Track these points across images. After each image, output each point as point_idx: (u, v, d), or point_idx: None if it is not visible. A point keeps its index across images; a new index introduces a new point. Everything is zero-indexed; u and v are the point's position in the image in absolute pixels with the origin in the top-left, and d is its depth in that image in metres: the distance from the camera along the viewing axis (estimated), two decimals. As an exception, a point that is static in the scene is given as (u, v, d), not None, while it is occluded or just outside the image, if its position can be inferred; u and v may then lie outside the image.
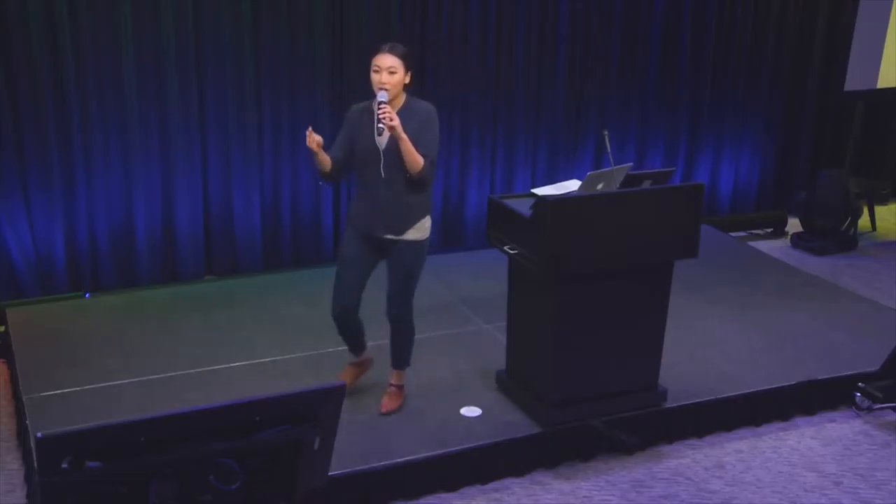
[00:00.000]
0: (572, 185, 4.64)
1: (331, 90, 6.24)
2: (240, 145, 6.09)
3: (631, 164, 4.94)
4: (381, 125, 4.05)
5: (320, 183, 4.58)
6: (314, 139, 4.11)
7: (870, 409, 4.95)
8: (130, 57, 5.67)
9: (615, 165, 4.41)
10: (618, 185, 4.41)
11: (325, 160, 4.22)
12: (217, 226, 6.22)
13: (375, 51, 4.21)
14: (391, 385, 4.64)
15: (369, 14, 6.20)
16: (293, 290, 5.96)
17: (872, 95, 7.76)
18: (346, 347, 4.73)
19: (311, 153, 4.17)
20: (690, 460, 4.55)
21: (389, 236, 4.31)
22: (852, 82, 7.56)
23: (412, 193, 4.26)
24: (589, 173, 4.41)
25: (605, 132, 4.62)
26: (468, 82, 6.63)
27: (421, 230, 4.34)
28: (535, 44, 6.79)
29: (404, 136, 4.07)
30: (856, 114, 7.87)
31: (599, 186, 4.37)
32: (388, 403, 4.59)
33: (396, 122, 4.03)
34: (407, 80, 4.19)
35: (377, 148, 4.20)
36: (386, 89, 4.10)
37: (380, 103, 4.09)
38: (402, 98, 4.23)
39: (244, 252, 6.27)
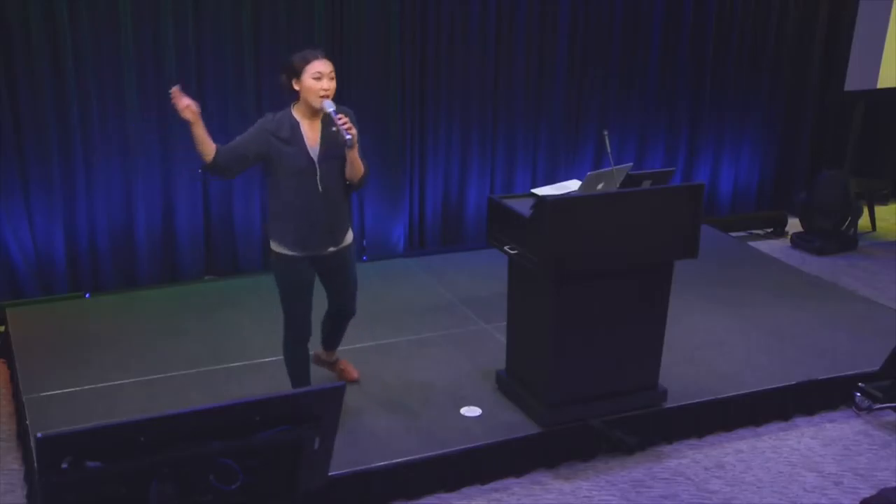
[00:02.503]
0: (572, 185, 4.64)
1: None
2: (240, 145, 6.09)
3: (631, 164, 4.94)
4: (349, 136, 3.91)
5: (201, 170, 4.16)
6: (184, 102, 3.77)
7: (870, 409, 4.94)
8: (130, 57, 5.67)
9: (615, 165, 4.41)
10: (618, 185, 4.41)
11: (206, 139, 3.94)
12: (217, 226, 6.22)
13: (306, 57, 4.02)
14: (339, 360, 4.75)
15: (369, 14, 6.20)
16: (293, 290, 5.95)
17: (872, 95, 7.76)
18: (346, 347, 4.73)
19: (185, 122, 3.81)
20: (690, 460, 4.55)
21: (332, 249, 4.20)
22: (852, 82, 7.56)
23: (345, 201, 4.17)
24: (589, 173, 4.41)
25: (605, 132, 4.62)
26: (468, 82, 6.63)
27: (351, 233, 4.31)
28: (536, 44, 6.79)
29: (356, 143, 3.99)
30: (856, 114, 7.87)
31: (599, 186, 4.37)
32: (354, 372, 4.74)
33: (355, 130, 3.94)
34: None
35: (312, 160, 4.02)
36: (329, 96, 3.96)
37: (334, 113, 3.94)
38: None
39: (244, 252, 6.27)
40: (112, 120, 5.75)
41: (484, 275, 5.97)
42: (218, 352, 5.09)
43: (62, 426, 3.05)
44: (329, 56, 6.10)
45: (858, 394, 4.95)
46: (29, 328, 5.33)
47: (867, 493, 4.29)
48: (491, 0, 6.55)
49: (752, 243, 7.46)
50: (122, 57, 5.65)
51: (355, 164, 4.05)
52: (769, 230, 7.83)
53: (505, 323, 4.76)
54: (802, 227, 7.54)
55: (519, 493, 4.26)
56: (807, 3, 7.63)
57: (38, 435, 2.26)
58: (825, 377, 5.01)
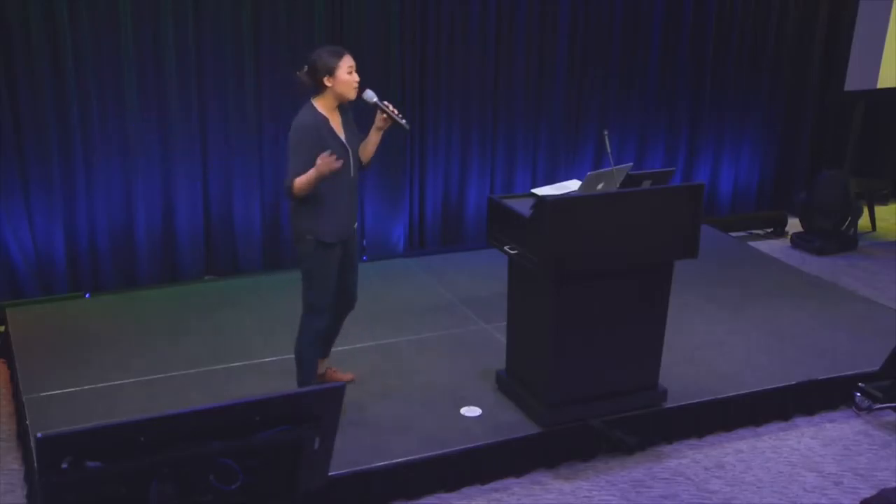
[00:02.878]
0: (572, 185, 4.64)
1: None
2: (240, 145, 6.09)
3: (631, 164, 4.94)
4: (404, 120, 4.27)
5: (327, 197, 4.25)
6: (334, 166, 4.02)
7: (870, 409, 4.94)
8: (130, 57, 5.67)
9: (615, 165, 4.41)
10: (618, 185, 4.41)
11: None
12: (217, 226, 6.22)
13: (336, 53, 4.23)
14: (328, 371, 4.71)
15: (369, 14, 6.20)
16: (293, 290, 5.93)
17: (872, 95, 7.76)
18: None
19: (319, 177, 4.04)
20: (690, 460, 4.55)
21: (355, 226, 4.44)
22: (852, 82, 7.56)
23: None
24: (589, 173, 4.41)
25: (605, 132, 4.62)
26: (468, 82, 6.62)
27: None
28: (536, 44, 6.79)
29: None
30: (856, 114, 7.87)
31: (599, 186, 4.37)
32: (343, 376, 4.74)
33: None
34: None
35: (347, 149, 4.23)
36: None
37: (381, 101, 4.27)
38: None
39: (244, 252, 6.28)
40: (112, 120, 5.75)
41: (484, 275, 5.97)
42: (218, 352, 5.08)
43: (62, 426, 3.05)
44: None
45: (858, 394, 4.94)
46: (29, 328, 5.33)
47: (867, 493, 4.29)
48: (491, 0, 6.55)
49: (752, 243, 7.46)
50: (122, 57, 5.65)
51: (375, 147, 4.35)
52: (769, 230, 7.83)
53: (505, 323, 4.76)
54: (802, 227, 7.54)
55: (519, 493, 4.26)
56: (807, 3, 7.63)
57: (38, 435, 2.26)
58: (825, 377, 5.01)
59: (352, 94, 4.24)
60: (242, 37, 5.94)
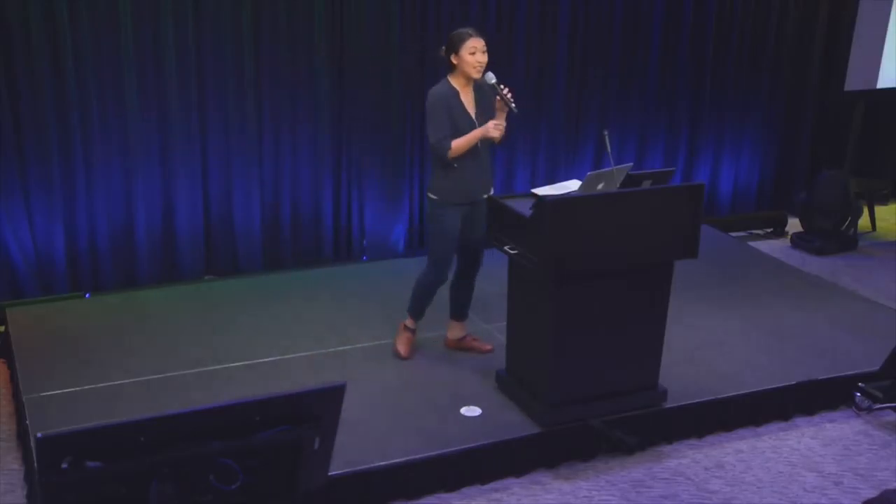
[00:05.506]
0: (572, 185, 4.64)
1: (331, 90, 6.24)
2: (240, 145, 6.10)
3: (631, 164, 4.93)
4: (514, 104, 4.57)
5: (454, 162, 4.68)
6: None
7: (870, 409, 4.94)
8: (130, 57, 5.67)
9: (615, 165, 4.41)
10: (618, 185, 4.41)
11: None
12: (217, 226, 6.22)
13: (462, 34, 4.61)
14: (467, 335, 5.14)
15: (369, 14, 6.20)
16: (293, 290, 5.96)
17: (872, 95, 7.76)
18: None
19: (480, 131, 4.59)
20: (690, 460, 4.55)
21: (484, 196, 4.78)
22: (852, 82, 7.56)
23: (491, 156, 4.92)
24: (589, 173, 4.41)
25: (605, 132, 4.62)
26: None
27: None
28: (536, 44, 6.79)
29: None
30: (856, 114, 7.87)
31: (599, 186, 4.37)
32: (481, 346, 5.11)
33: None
34: None
35: (473, 122, 4.66)
36: (483, 67, 4.59)
37: (499, 84, 4.59)
38: None
39: (244, 252, 6.28)
40: (112, 120, 5.75)
41: (484, 275, 5.96)
42: (218, 352, 5.08)
43: (62, 426, 3.05)
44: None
45: (858, 394, 4.94)
46: (29, 328, 5.33)
47: (867, 493, 4.29)
48: (491, 0, 6.55)
49: (752, 243, 7.46)
50: (122, 57, 5.65)
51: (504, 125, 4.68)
52: (769, 230, 7.83)
53: (505, 323, 4.76)
54: (802, 227, 7.54)
55: (519, 493, 4.26)
56: (807, 3, 7.63)
57: (38, 435, 2.26)
58: (825, 377, 5.01)
59: (474, 73, 4.60)
60: (242, 37, 5.94)
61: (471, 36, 4.59)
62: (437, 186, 4.76)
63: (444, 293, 5.06)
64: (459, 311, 5.10)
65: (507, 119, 4.68)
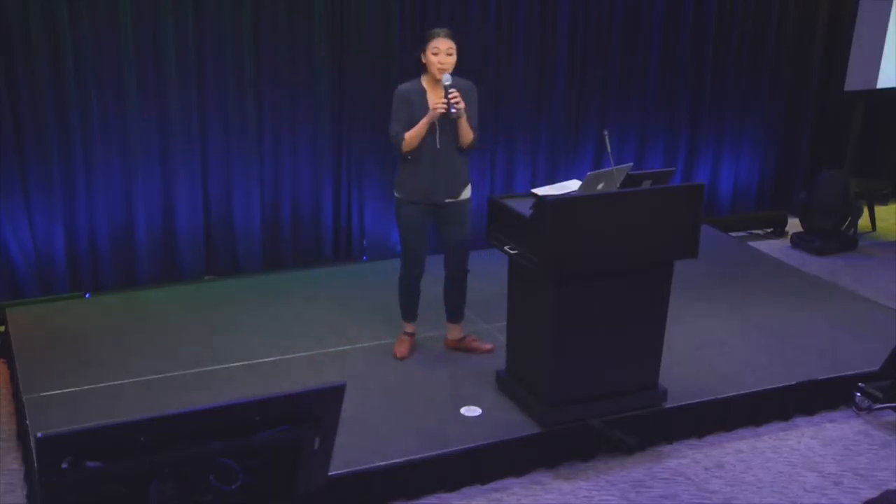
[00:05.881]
0: (572, 185, 4.64)
1: (331, 90, 6.24)
2: (240, 145, 6.10)
3: (631, 164, 4.94)
4: (454, 110, 4.48)
5: (407, 155, 4.71)
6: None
7: (870, 409, 4.94)
8: (130, 57, 5.67)
9: (615, 165, 4.41)
10: (618, 185, 4.41)
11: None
12: (217, 226, 6.22)
13: (430, 33, 4.61)
14: (465, 336, 5.10)
15: (369, 14, 6.20)
16: (293, 290, 5.96)
17: (872, 95, 7.76)
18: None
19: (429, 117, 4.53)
20: (690, 460, 4.55)
21: (449, 200, 4.74)
22: (852, 82, 7.56)
23: (461, 160, 4.75)
24: (589, 173, 4.40)
25: (605, 132, 4.62)
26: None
27: (469, 189, 4.85)
28: (536, 44, 6.79)
29: (464, 115, 4.57)
30: (856, 114, 7.87)
31: (599, 186, 4.37)
32: (484, 345, 5.10)
33: (463, 104, 4.52)
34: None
35: (435, 123, 4.58)
36: (446, 70, 4.52)
37: (449, 87, 4.50)
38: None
39: (244, 252, 6.27)
40: (112, 120, 5.75)
41: (484, 275, 5.96)
42: (218, 352, 5.08)
43: (62, 426, 3.05)
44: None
45: (858, 394, 4.94)
46: (29, 328, 5.33)
47: (867, 493, 4.29)
48: (491, 0, 6.55)
49: (752, 243, 7.46)
50: (122, 57, 5.65)
51: (463, 131, 4.63)
52: (769, 230, 7.83)
53: (505, 323, 4.76)
54: (802, 227, 7.54)
55: (519, 493, 4.26)
56: (807, 3, 7.63)
57: (38, 435, 2.26)
58: (825, 377, 5.01)
59: (436, 74, 4.57)
60: (242, 37, 5.94)
61: (437, 36, 4.55)
62: (397, 183, 4.83)
63: (438, 293, 5.06)
64: (453, 313, 5.10)
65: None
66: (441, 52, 4.52)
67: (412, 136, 4.61)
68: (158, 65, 5.78)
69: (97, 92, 5.67)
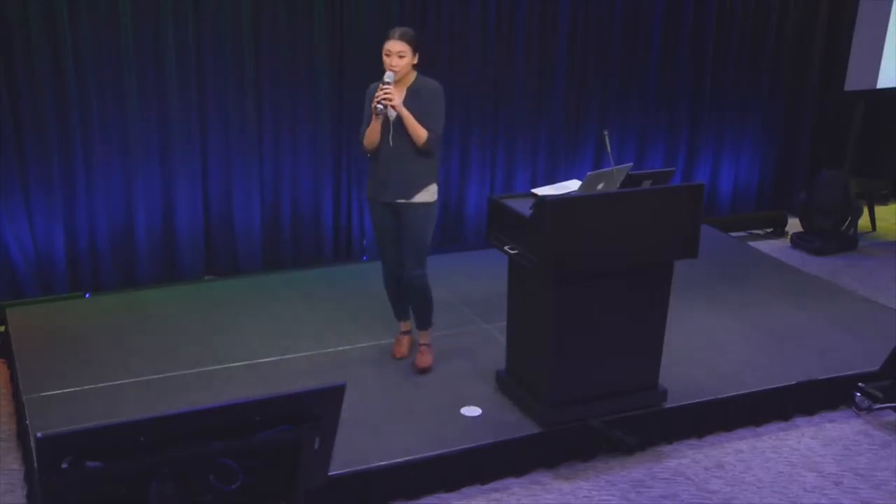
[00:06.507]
0: (572, 185, 4.64)
1: (331, 90, 6.25)
2: (240, 145, 6.10)
3: (631, 164, 4.94)
4: (380, 106, 4.44)
5: (366, 154, 4.77)
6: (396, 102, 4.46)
7: (870, 409, 4.94)
8: (130, 57, 5.67)
9: (615, 165, 4.41)
10: (618, 185, 4.41)
11: (378, 129, 4.60)
12: (217, 226, 6.22)
13: (386, 36, 4.55)
14: (421, 344, 4.95)
15: (369, 14, 6.20)
16: (293, 290, 5.96)
17: (872, 95, 7.76)
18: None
19: (375, 117, 4.50)
20: (690, 460, 4.55)
21: (400, 200, 4.65)
22: (852, 82, 7.56)
23: (418, 161, 4.62)
24: (589, 173, 4.40)
25: (605, 132, 4.62)
26: (468, 82, 6.62)
27: (428, 193, 4.67)
28: (536, 44, 6.79)
29: (404, 111, 4.50)
30: (856, 114, 7.87)
31: (599, 186, 4.37)
32: (421, 360, 4.93)
33: (396, 101, 4.46)
34: (415, 62, 4.57)
35: (387, 120, 4.56)
36: (394, 71, 4.48)
37: (386, 84, 4.47)
38: (413, 77, 4.60)
39: (244, 252, 6.28)
40: (112, 120, 5.75)
41: (484, 275, 5.97)
42: (218, 352, 5.08)
43: (62, 426, 3.05)
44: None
45: (858, 394, 4.94)
46: (29, 328, 5.33)
47: (867, 493, 4.30)
48: (491, 0, 6.55)
49: (752, 243, 7.46)
50: (122, 57, 5.65)
51: (410, 130, 4.54)
52: (769, 230, 7.83)
53: (505, 323, 4.76)
54: (802, 227, 7.54)
55: (519, 493, 4.26)
56: (807, 3, 7.63)
57: (38, 435, 2.26)
58: (825, 377, 5.01)
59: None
60: (242, 37, 5.94)
61: (389, 38, 4.54)
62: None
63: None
64: (414, 318, 5.01)
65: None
66: (392, 55, 4.49)
67: (364, 133, 4.63)
68: (158, 65, 5.78)
69: (97, 92, 5.67)
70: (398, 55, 4.50)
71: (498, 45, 6.68)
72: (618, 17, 7.02)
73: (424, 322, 4.93)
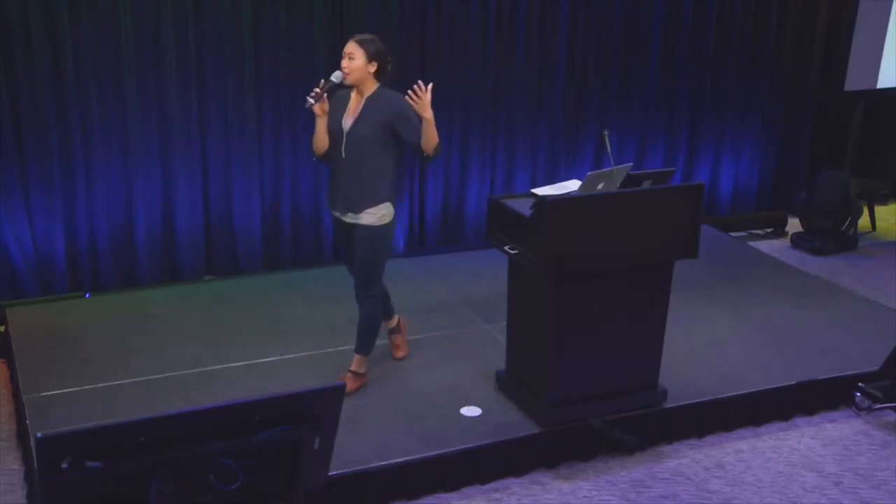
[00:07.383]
0: (572, 185, 4.64)
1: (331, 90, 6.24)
2: (240, 145, 6.10)
3: (631, 164, 4.94)
4: (308, 99, 4.34)
5: (315, 159, 4.57)
6: (323, 105, 4.35)
7: (870, 409, 4.95)
8: (130, 57, 5.67)
9: (615, 165, 4.41)
10: (618, 185, 4.41)
11: (323, 133, 4.43)
12: (217, 226, 6.22)
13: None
14: (349, 370, 4.70)
15: (369, 15, 6.20)
16: (293, 290, 5.96)
17: (872, 95, 7.76)
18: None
19: (311, 120, 4.39)
20: (690, 460, 4.55)
21: (349, 215, 4.50)
22: (852, 82, 7.56)
23: (370, 178, 4.43)
24: (589, 173, 4.40)
25: (605, 132, 4.61)
26: (468, 82, 6.63)
27: (377, 216, 4.47)
28: (536, 44, 6.79)
29: (429, 114, 4.28)
30: (856, 114, 7.87)
31: (599, 186, 4.37)
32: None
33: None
34: (372, 70, 4.39)
35: (342, 129, 4.42)
36: (344, 72, 4.38)
37: (328, 83, 4.40)
38: (374, 87, 4.43)
39: (244, 252, 6.28)
40: (112, 120, 5.75)
41: (484, 275, 5.97)
42: (218, 352, 5.08)
43: (62, 426, 3.05)
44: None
45: (858, 394, 4.94)
46: (29, 328, 5.33)
47: (867, 493, 4.30)
48: (491, 0, 6.55)
49: (752, 243, 7.46)
50: (122, 57, 5.65)
51: (426, 133, 4.35)
52: (769, 230, 7.83)
53: (505, 323, 4.76)
54: (802, 227, 7.54)
55: (519, 493, 4.26)
56: (807, 3, 7.63)
57: (38, 435, 2.26)
58: (825, 377, 5.01)
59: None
60: (242, 37, 5.94)
61: (348, 41, 4.43)
62: None
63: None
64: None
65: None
66: (345, 56, 4.39)
67: (314, 137, 4.46)
68: (158, 65, 5.78)
69: (97, 92, 5.67)
70: (349, 56, 4.37)
71: (498, 45, 6.68)
72: (618, 17, 7.02)
73: (360, 346, 4.68)
